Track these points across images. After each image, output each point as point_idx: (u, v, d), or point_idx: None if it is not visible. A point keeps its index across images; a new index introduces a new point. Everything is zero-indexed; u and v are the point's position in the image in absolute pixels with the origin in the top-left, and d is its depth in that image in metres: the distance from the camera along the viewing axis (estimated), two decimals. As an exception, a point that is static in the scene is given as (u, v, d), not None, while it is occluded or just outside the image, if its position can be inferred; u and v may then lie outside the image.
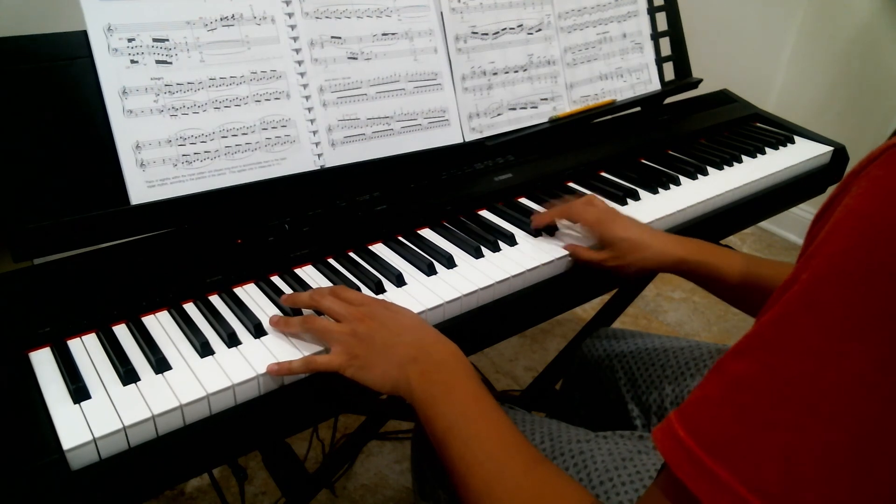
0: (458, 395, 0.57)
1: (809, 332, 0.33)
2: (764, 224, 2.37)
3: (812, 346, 0.33)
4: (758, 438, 0.34)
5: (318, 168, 0.87)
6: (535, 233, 0.88)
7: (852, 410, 0.31)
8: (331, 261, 0.81)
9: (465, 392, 0.58)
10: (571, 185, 1.03)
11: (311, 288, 0.75)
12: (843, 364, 0.31)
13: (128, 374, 0.61)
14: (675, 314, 1.99)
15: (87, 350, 0.65)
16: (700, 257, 0.80)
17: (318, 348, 0.66)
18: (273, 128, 0.84)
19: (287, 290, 0.75)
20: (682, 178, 1.06)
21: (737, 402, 0.35)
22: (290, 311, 0.71)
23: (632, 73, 1.20)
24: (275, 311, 0.72)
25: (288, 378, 0.65)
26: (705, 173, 1.09)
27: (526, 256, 0.83)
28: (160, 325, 0.69)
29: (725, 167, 1.11)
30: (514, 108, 1.05)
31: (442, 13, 0.97)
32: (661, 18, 1.25)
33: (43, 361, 0.63)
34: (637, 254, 0.81)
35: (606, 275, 0.86)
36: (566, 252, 0.84)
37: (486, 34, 1.02)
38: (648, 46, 1.22)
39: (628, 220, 0.85)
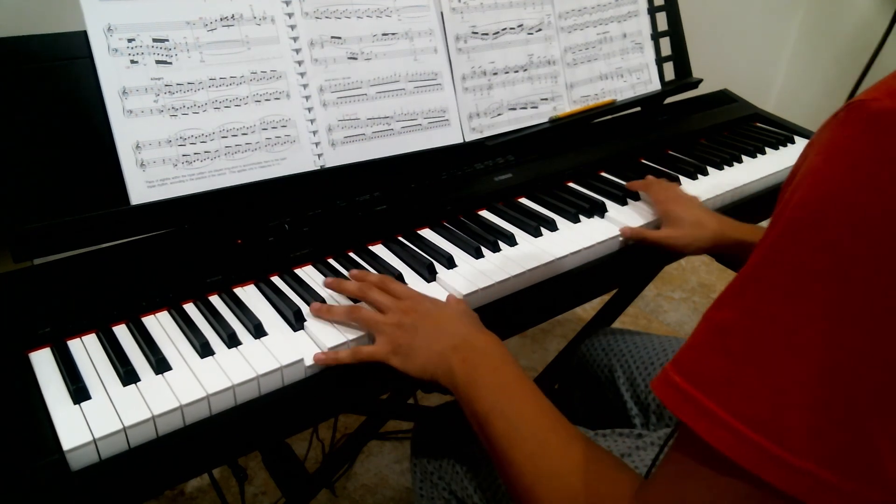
0: (500, 378, 0.60)
1: (778, 278, 0.37)
2: (764, 224, 2.37)
3: (781, 289, 0.37)
4: (743, 374, 0.38)
5: (318, 168, 0.87)
6: (536, 232, 0.88)
7: (820, 342, 0.35)
8: (331, 261, 0.81)
9: (507, 374, 0.61)
10: (571, 185, 1.03)
11: (310, 287, 0.75)
12: (808, 302, 0.36)
13: (128, 375, 0.61)
14: (675, 314, 1.99)
15: (87, 350, 0.65)
16: (753, 235, 0.87)
17: (320, 348, 0.67)
18: (273, 128, 0.84)
19: (287, 290, 0.75)
20: (682, 179, 1.06)
21: (722, 345, 0.40)
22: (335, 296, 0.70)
23: (632, 73, 1.20)
24: (273, 312, 0.72)
25: (288, 377, 0.65)
26: (705, 173, 1.09)
27: (526, 256, 0.83)
28: (160, 325, 0.69)
29: (725, 167, 1.11)
30: (514, 108, 1.05)
31: (442, 13, 0.97)
32: (662, 18, 1.25)
33: (43, 361, 0.63)
34: (696, 232, 0.88)
35: (616, 270, 0.89)
36: (566, 252, 0.84)
37: (487, 34, 1.02)
38: (648, 46, 1.22)
39: (692, 202, 0.94)
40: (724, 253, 0.89)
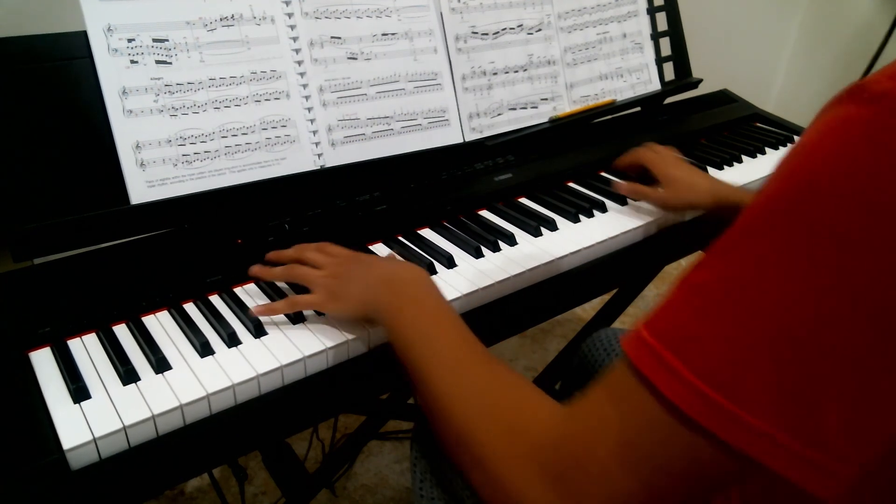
0: (423, 307, 0.63)
1: (754, 243, 0.38)
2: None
3: (755, 254, 0.38)
4: (709, 334, 0.39)
5: (318, 168, 0.87)
6: (536, 232, 0.88)
7: (788, 308, 0.36)
8: (331, 261, 0.81)
9: (429, 302, 0.64)
10: (571, 185, 1.03)
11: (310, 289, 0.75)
12: (780, 269, 0.37)
13: (128, 374, 0.61)
14: (675, 314, 1.99)
15: (87, 350, 0.65)
16: (745, 198, 0.90)
17: (320, 340, 0.67)
18: (273, 128, 0.84)
19: (287, 289, 0.75)
20: (682, 178, 1.06)
21: (693, 305, 0.40)
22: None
23: (632, 73, 1.20)
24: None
25: (288, 377, 0.65)
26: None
27: (526, 256, 0.83)
28: (160, 324, 0.69)
29: (725, 167, 1.11)
30: (514, 108, 1.05)
31: (442, 13, 0.97)
32: (662, 18, 1.25)
33: (43, 361, 0.63)
34: (692, 194, 0.93)
35: (616, 270, 0.90)
36: (566, 252, 0.84)
37: (486, 34, 1.02)
38: (648, 46, 1.22)
39: (683, 162, 0.99)
40: (722, 216, 0.91)
